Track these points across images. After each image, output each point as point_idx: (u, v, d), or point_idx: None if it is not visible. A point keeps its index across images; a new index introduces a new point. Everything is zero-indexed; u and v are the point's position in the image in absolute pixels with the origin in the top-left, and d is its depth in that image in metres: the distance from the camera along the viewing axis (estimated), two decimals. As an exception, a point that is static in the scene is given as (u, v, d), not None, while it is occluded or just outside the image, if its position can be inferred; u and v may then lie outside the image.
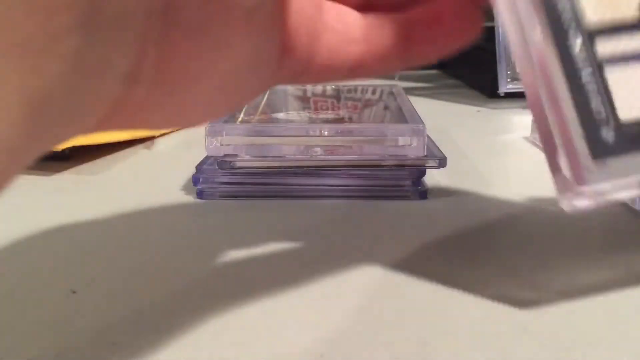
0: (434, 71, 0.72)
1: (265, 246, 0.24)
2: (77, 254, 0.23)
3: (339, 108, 0.40)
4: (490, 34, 0.59)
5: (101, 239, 0.25)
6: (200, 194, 0.29)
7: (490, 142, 0.39)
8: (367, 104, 0.40)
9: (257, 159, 0.29)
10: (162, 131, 0.41)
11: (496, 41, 0.49)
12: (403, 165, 0.29)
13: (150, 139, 0.40)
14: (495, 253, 0.23)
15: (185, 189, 0.30)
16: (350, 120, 0.36)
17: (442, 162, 0.29)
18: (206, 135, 0.29)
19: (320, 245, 0.24)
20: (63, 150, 0.34)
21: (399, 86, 0.41)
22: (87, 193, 0.30)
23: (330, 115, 0.39)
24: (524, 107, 0.50)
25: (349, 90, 0.42)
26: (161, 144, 0.39)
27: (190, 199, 0.29)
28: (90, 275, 0.21)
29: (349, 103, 0.40)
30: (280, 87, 0.45)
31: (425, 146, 0.29)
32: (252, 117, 0.33)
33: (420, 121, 0.30)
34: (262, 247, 0.24)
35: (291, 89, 0.45)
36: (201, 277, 0.21)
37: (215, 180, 0.29)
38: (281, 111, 0.35)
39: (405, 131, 0.29)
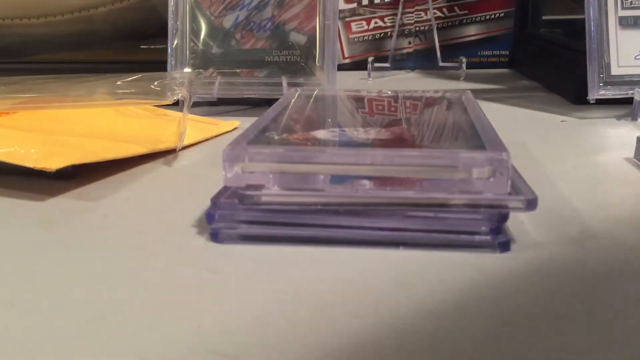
0: (505, 70, 0.64)
1: (296, 312, 0.18)
2: (43, 311, 0.18)
3: (396, 109, 0.34)
4: (575, 27, 0.51)
5: (77, 297, 0.19)
6: (214, 236, 0.23)
7: (584, 166, 0.32)
8: (429, 102, 0.33)
9: (288, 192, 0.22)
10: (186, 142, 0.35)
11: (587, 37, 0.41)
12: (478, 206, 0.22)
13: (172, 152, 0.34)
14: (603, 329, 0.16)
15: (199, 225, 0.24)
16: (409, 122, 0.30)
17: (531, 204, 0.21)
18: (223, 160, 0.23)
19: (364, 310, 0.17)
20: (66, 168, 0.28)
21: (469, 94, 0.34)
22: (76, 227, 0.24)
23: (386, 117, 0.32)
24: (618, 117, 0.41)
25: (408, 91, 0.36)
26: (184, 159, 0.34)
27: (202, 241, 0.23)
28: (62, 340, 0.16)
29: (408, 102, 0.34)
30: (329, 92, 0.38)
31: (509, 181, 0.22)
32: (287, 135, 0.26)
33: (502, 146, 0.23)
34: (292, 314, 0.17)
35: (342, 92, 0.39)
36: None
37: (234, 219, 0.23)
38: (323, 127, 0.28)
39: (481, 161, 0.22)
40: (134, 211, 0.26)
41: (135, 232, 0.24)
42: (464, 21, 0.65)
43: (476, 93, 0.37)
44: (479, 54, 0.65)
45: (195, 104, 0.43)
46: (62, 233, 0.24)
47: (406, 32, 0.65)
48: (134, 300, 0.19)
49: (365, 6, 0.65)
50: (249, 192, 0.22)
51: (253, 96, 0.44)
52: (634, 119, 0.41)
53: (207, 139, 0.37)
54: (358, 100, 0.36)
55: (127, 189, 0.29)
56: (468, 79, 0.58)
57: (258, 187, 0.22)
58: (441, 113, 0.32)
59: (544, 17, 0.64)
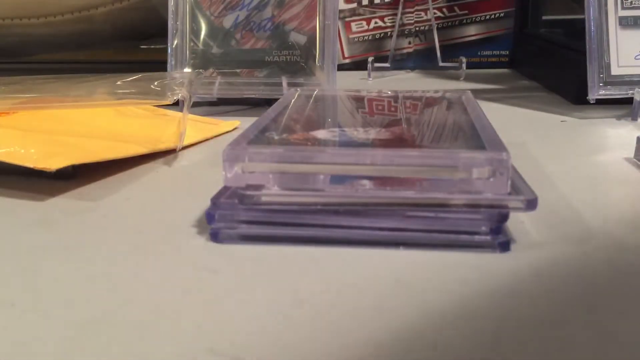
0: (505, 70, 0.64)
1: (296, 312, 0.18)
2: (43, 311, 0.18)
3: (396, 109, 0.34)
4: (575, 27, 0.51)
5: (77, 297, 0.19)
6: (214, 236, 0.23)
7: (584, 166, 0.32)
8: (429, 102, 0.33)
9: (289, 192, 0.22)
10: (186, 142, 0.35)
11: (587, 37, 0.41)
12: (478, 206, 0.22)
13: (172, 151, 0.34)
14: (603, 329, 0.16)
15: (199, 225, 0.24)
16: (409, 122, 0.30)
17: (531, 204, 0.21)
18: (223, 160, 0.23)
19: (364, 310, 0.17)
20: (66, 168, 0.28)
21: (469, 94, 0.34)
22: (76, 227, 0.24)
23: (386, 117, 0.32)
24: (618, 117, 0.41)
25: (408, 91, 0.36)
26: (184, 159, 0.34)
27: (202, 241, 0.23)
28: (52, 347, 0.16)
29: (408, 102, 0.34)
30: (328, 92, 0.38)
31: (509, 181, 0.22)
32: (287, 135, 0.26)
33: (502, 146, 0.23)
34: (292, 314, 0.17)
35: (342, 92, 0.39)
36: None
37: (234, 219, 0.23)
38: (323, 127, 0.28)
39: (481, 161, 0.22)
40: (134, 211, 0.26)
41: (135, 232, 0.24)
42: (464, 21, 0.65)
43: (476, 93, 0.37)
44: (479, 54, 0.66)
45: (195, 104, 0.43)
46: (62, 233, 0.24)
47: (406, 32, 0.65)
48: (134, 300, 0.19)
49: (365, 6, 0.65)
50: (249, 192, 0.22)
51: (253, 96, 0.44)
52: (634, 119, 0.41)
53: (207, 139, 0.37)
54: (358, 100, 0.36)
55: (127, 189, 0.29)
56: (468, 79, 0.58)
57: (258, 187, 0.22)
58: (441, 113, 0.32)
59: (544, 17, 0.64)
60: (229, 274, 0.20)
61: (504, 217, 0.22)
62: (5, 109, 0.34)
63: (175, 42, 0.45)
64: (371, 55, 0.62)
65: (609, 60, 0.41)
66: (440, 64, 0.61)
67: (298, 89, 0.36)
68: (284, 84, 0.44)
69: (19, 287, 0.20)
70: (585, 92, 0.41)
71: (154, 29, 0.57)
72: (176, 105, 0.35)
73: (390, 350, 0.16)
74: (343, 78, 0.53)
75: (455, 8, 0.65)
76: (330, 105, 0.35)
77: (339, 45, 0.64)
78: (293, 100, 0.33)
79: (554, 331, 0.17)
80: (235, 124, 0.40)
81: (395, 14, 0.63)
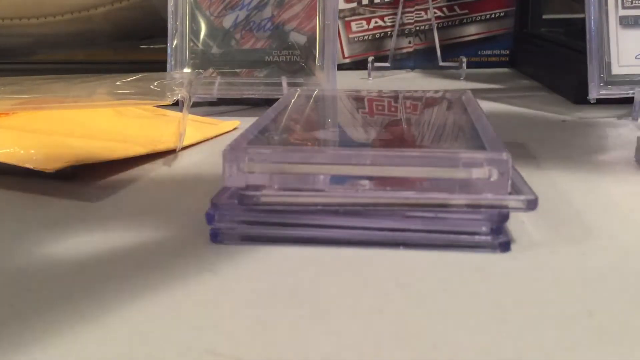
0: (505, 69, 0.64)
1: (296, 313, 0.18)
2: (42, 311, 0.18)
3: (396, 109, 0.34)
4: (576, 26, 0.51)
5: (77, 297, 0.19)
6: (214, 236, 0.23)
7: (585, 165, 0.32)
8: (429, 102, 0.33)
9: (289, 192, 0.22)
10: (186, 143, 0.35)
11: (587, 36, 0.41)
12: (478, 206, 0.22)
13: (172, 152, 0.34)
14: (602, 329, 0.16)
15: (199, 225, 0.24)
16: (409, 122, 0.30)
17: (531, 204, 0.21)
18: (223, 160, 0.23)
19: (364, 310, 0.17)
20: (65, 168, 0.28)
21: (469, 94, 0.33)
22: (76, 227, 0.24)
23: (386, 117, 0.32)
24: (619, 117, 0.41)
25: (409, 91, 0.36)
26: (184, 159, 0.34)
27: (202, 241, 0.23)
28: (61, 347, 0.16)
29: (408, 102, 0.34)
30: (328, 92, 0.38)
31: (510, 181, 0.22)
32: (287, 135, 0.26)
33: (502, 146, 0.23)
34: (291, 314, 0.17)
35: (342, 92, 0.39)
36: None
37: (234, 219, 0.23)
38: (323, 127, 0.28)
39: (481, 161, 0.22)
40: (134, 212, 0.26)
41: (136, 232, 0.24)
42: (464, 20, 0.65)
43: (476, 93, 0.37)
44: (479, 53, 0.65)
45: (195, 104, 0.43)
46: (62, 233, 0.24)
47: (406, 32, 0.64)
48: (133, 300, 0.19)
49: (365, 6, 0.64)
50: (249, 193, 0.22)
51: (253, 96, 0.44)
52: (635, 118, 0.41)
53: (207, 139, 0.37)
54: (358, 100, 0.36)
55: (127, 189, 0.29)
56: (468, 78, 0.58)
57: (258, 188, 0.22)
58: (441, 113, 0.32)
59: (544, 17, 0.64)
60: (229, 274, 0.20)
61: (504, 217, 0.22)
62: (5, 110, 0.34)
63: (175, 42, 0.45)
64: (371, 54, 0.62)
65: (610, 59, 0.41)
66: (441, 63, 0.61)
67: (298, 89, 0.36)
68: (284, 84, 0.44)
69: (19, 287, 0.20)
70: (585, 92, 0.41)
71: (154, 29, 0.57)
72: (176, 105, 0.35)
73: (391, 351, 0.16)
74: (343, 78, 0.53)
75: (456, 7, 0.65)
76: (330, 105, 0.35)
77: (339, 45, 0.64)
78: (293, 100, 0.33)
79: (554, 332, 0.17)
80: (235, 124, 0.40)
81: (395, 14, 0.63)
